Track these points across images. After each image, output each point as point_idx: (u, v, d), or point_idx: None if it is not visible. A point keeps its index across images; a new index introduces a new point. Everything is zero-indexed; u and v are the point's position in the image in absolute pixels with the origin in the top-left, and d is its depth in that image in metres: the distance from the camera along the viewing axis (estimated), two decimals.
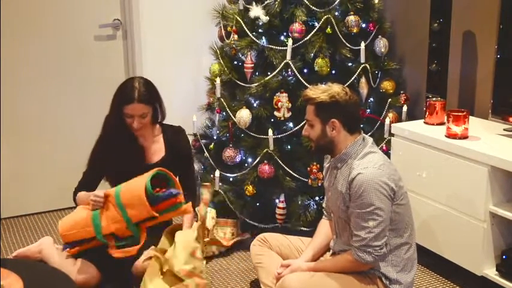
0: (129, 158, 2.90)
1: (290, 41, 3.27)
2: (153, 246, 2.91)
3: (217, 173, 3.44)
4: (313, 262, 2.51)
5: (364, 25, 3.50)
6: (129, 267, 2.83)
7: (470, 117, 2.95)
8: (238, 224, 3.45)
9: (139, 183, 2.65)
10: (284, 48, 3.30)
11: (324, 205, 2.67)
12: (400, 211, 2.36)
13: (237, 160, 3.45)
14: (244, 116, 3.34)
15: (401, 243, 2.39)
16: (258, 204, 3.48)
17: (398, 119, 3.51)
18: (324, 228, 2.63)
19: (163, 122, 3.05)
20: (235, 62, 3.58)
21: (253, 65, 3.40)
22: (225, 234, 3.38)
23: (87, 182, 2.95)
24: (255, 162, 3.35)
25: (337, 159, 2.41)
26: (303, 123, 3.27)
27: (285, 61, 3.28)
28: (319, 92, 2.36)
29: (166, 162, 2.93)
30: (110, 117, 2.94)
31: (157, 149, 2.98)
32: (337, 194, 2.40)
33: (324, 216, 2.68)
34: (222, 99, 3.51)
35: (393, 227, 2.35)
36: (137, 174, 2.77)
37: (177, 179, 2.78)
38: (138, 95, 2.81)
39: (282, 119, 3.31)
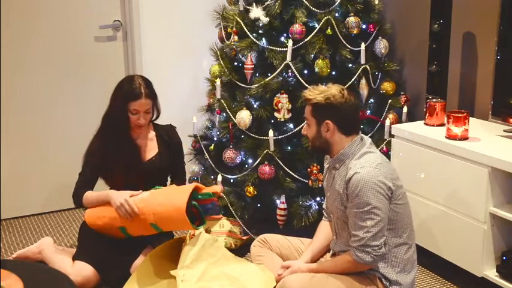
0: (125, 155, 2.93)
1: (290, 42, 3.27)
2: (149, 246, 2.93)
3: (219, 177, 3.43)
4: (313, 263, 2.51)
5: (364, 26, 3.51)
6: (127, 268, 2.84)
7: (470, 118, 2.95)
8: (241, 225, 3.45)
9: (181, 223, 2.75)
10: (284, 49, 3.30)
11: (324, 206, 2.67)
12: (399, 211, 2.36)
13: (238, 161, 3.45)
14: (244, 117, 3.34)
15: (400, 243, 2.39)
16: (258, 205, 3.48)
17: (399, 120, 3.51)
18: (324, 229, 2.63)
19: (155, 122, 3.12)
20: (236, 63, 3.58)
21: (253, 66, 3.40)
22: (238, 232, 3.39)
23: (86, 182, 2.97)
24: (256, 163, 3.35)
25: (335, 160, 2.41)
26: (303, 124, 3.27)
27: (285, 62, 3.28)
28: (316, 93, 2.37)
29: (160, 158, 3.02)
30: (110, 116, 2.97)
31: (152, 147, 3.04)
32: (335, 194, 2.40)
33: (323, 218, 2.68)
34: (222, 100, 3.50)
35: (391, 227, 2.35)
36: (133, 172, 2.91)
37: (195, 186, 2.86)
38: (144, 90, 2.90)
39: (282, 120, 3.31)
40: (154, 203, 2.77)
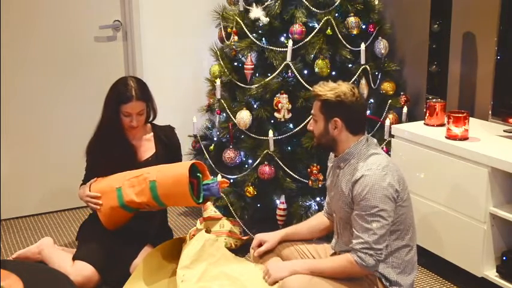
0: (120, 156, 2.94)
1: (290, 42, 3.27)
2: (148, 245, 2.93)
3: (219, 177, 3.43)
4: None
5: (364, 26, 3.51)
6: (127, 268, 2.84)
7: (470, 118, 2.95)
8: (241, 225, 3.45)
9: (180, 186, 2.74)
10: (284, 49, 3.30)
11: (325, 204, 2.67)
12: (403, 212, 2.35)
13: (237, 161, 3.45)
14: (244, 117, 3.34)
15: (402, 246, 2.38)
16: (258, 205, 3.48)
17: (399, 120, 3.51)
18: (317, 219, 2.66)
19: (153, 122, 3.11)
20: (236, 63, 3.58)
21: (253, 66, 3.41)
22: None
23: (87, 180, 2.99)
24: (256, 163, 3.35)
25: (340, 159, 2.41)
26: (303, 125, 3.28)
27: (285, 62, 3.28)
28: (327, 89, 2.36)
29: (156, 159, 3.01)
30: (104, 117, 2.97)
31: (148, 147, 3.04)
32: (339, 194, 2.40)
33: (323, 212, 2.67)
34: (222, 101, 3.51)
35: (395, 229, 2.34)
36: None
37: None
38: (135, 93, 2.90)
39: (282, 120, 3.31)
40: (163, 165, 2.86)
